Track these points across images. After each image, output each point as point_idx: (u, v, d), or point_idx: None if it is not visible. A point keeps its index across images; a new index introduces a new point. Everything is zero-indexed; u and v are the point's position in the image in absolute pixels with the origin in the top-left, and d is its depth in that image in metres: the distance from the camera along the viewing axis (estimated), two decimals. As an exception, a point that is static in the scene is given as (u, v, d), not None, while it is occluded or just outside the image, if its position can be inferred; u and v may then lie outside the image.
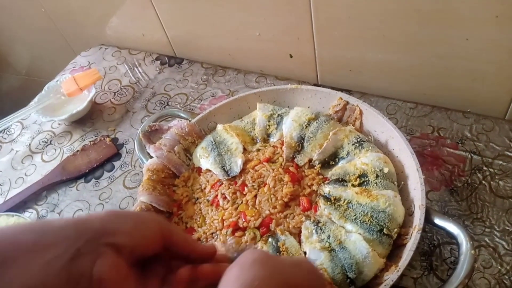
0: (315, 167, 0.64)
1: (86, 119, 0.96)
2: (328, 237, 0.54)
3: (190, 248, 0.43)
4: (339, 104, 0.70)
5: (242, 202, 0.62)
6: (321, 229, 0.56)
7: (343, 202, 0.58)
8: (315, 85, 0.88)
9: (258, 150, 0.69)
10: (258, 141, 0.71)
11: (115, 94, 1.00)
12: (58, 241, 0.36)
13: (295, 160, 0.65)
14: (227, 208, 0.61)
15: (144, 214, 0.49)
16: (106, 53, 1.12)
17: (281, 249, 0.54)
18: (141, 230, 0.41)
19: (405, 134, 0.71)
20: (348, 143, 0.64)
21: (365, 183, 0.59)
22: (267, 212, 0.60)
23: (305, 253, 0.54)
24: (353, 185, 0.60)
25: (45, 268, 0.35)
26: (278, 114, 0.71)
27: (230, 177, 0.65)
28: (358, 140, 0.64)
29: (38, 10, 1.19)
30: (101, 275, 0.37)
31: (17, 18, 1.31)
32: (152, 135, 0.73)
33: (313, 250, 0.53)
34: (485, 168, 0.67)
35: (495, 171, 0.66)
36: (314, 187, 0.61)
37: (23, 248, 0.35)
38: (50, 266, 0.35)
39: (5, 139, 0.98)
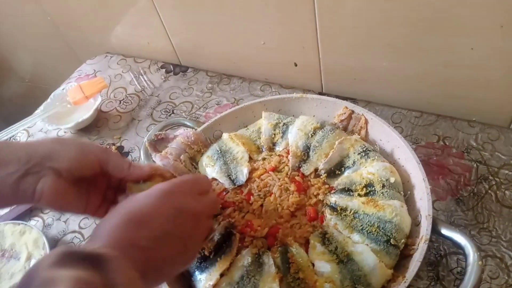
0: (321, 177, 0.64)
1: (92, 127, 0.96)
2: (336, 248, 0.54)
3: (125, 173, 0.53)
4: (345, 113, 0.70)
5: (248, 212, 0.62)
6: (328, 240, 0.56)
7: (350, 212, 0.58)
8: (319, 93, 0.89)
9: (264, 159, 0.69)
10: (263, 150, 0.71)
11: (120, 102, 1.01)
12: (11, 161, 0.47)
13: (301, 169, 0.65)
14: (234, 217, 0.62)
15: (86, 142, 0.56)
16: (112, 61, 1.13)
17: (290, 260, 0.54)
18: (80, 157, 0.50)
19: (410, 143, 0.71)
20: (354, 153, 0.64)
21: (371, 193, 0.59)
22: (274, 221, 0.60)
23: (313, 264, 0.54)
24: (359, 195, 0.60)
25: (0, 182, 0.46)
26: (284, 123, 0.71)
27: (236, 186, 0.65)
28: (364, 149, 0.64)
29: (43, 18, 1.20)
30: (42, 190, 0.47)
31: (21, 25, 1.32)
32: (158, 144, 0.74)
33: (320, 262, 0.53)
34: (491, 177, 0.67)
35: (501, 180, 0.66)
36: (320, 197, 0.61)
37: None
38: (4, 180, 0.46)
39: (11, 147, 0.98)
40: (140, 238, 0.43)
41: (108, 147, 0.90)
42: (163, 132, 0.75)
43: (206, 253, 0.55)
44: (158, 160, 0.70)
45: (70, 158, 0.49)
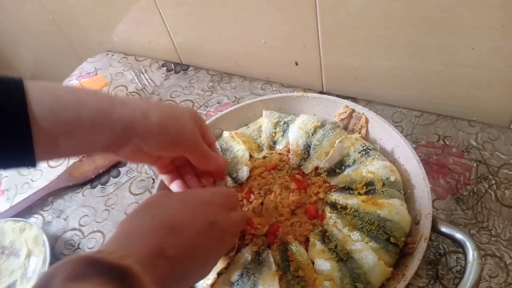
0: (321, 175, 0.64)
1: (93, 125, 0.96)
2: (335, 246, 0.55)
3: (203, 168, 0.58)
4: (345, 112, 0.70)
5: (248, 210, 0.62)
6: (328, 238, 0.56)
7: (350, 211, 0.58)
8: (320, 92, 0.89)
9: (265, 157, 0.69)
10: (264, 148, 0.71)
11: (121, 100, 1.00)
12: (106, 129, 0.45)
13: (301, 167, 0.66)
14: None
15: (183, 128, 0.52)
16: (113, 60, 1.13)
17: (290, 258, 0.54)
18: (168, 147, 0.50)
19: (411, 142, 0.71)
20: (354, 151, 0.64)
21: (372, 191, 0.59)
22: (274, 219, 0.60)
23: (312, 262, 0.54)
24: (359, 194, 0.60)
25: (93, 143, 0.45)
26: (284, 122, 0.71)
27: (236, 184, 0.66)
28: (364, 148, 0.64)
29: (44, 16, 1.20)
30: (120, 154, 0.48)
31: (22, 24, 1.32)
32: None
33: (320, 260, 0.53)
34: (490, 177, 0.67)
35: (501, 180, 0.66)
36: (321, 195, 0.62)
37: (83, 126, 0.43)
38: (93, 144, 0.45)
39: (12, 144, 0.98)
40: (169, 247, 0.41)
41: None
42: None
43: None
44: None
45: (159, 144, 0.49)
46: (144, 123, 0.47)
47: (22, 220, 0.77)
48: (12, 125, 0.38)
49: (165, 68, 1.06)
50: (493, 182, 0.66)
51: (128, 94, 1.02)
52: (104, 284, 0.33)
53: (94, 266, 0.34)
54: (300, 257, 0.55)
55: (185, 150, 0.52)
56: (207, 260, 0.46)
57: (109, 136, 0.45)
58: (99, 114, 0.44)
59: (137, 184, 0.82)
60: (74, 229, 0.78)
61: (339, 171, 0.64)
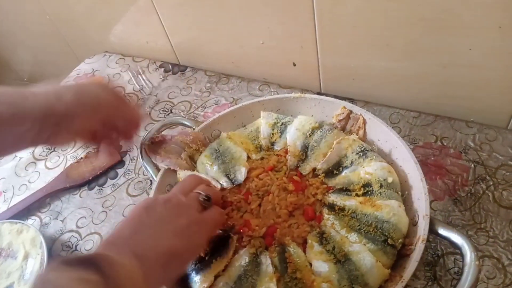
0: (319, 176, 0.64)
1: (90, 126, 0.96)
2: (333, 248, 0.54)
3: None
4: (343, 113, 0.70)
5: (246, 211, 0.62)
6: (326, 240, 0.56)
7: (347, 212, 0.58)
8: (318, 93, 0.89)
9: (262, 158, 0.69)
10: (262, 149, 0.71)
11: (118, 101, 1.00)
12: (28, 118, 0.48)
13: (299, 169, 0.66)
14: (232, 216, 0.62)
15: (98, 96, 0.57)
16: (110, 60, 1.13)
17: (288, 260, 0.54)
18: (92, 122, 0.54)
19: (408, 143, 0.71)
20: (352, 152, 0.64)
21: (369, 192, 0.59)
22: (272, 221, 0.60)
23: (310, 264, 0.54)
24: (357, 195, 0.60)
25: (19, 137, 0.49)
26: (282, 123, 0.71)
27: (234, 185, 0.66)
28: (362, 149, 0.64)
29: (42, 16, 1.20)
30: (53, 141, 0.52)
31: (20, 25, 1.31)
32: (156, 146, 0.73)
33: (318, 262, 0.53)
34: (488, 178, 0.67)
35: (499, 181, 0.66)
36: (318, 197, 0.61)
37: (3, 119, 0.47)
38: (22, 135, 0.49)
39: (9, 145, 0.98)
40: (151, 256, 0.44)
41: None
42: (160, 135, 0.74)
43: (202, 254, 0.55)
44: (159, 161, 0.70)
45: (83, 117, 0.53)
46: (61, 104, 0.50)
47: (19, 222, 0.77)
48: None
49: (162, 69, 1.06)
50: (491, 183, 0.66)
51: (126, 95, 1.01)
52: (82, 270, 0.36)
53: (71, 262, 0.37)
54: (298, 259, 0.55)
55: (108, 111, 0.56)
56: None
57: (32, 126, 0.49)
58: (14, 107, 0.47)
59: (135, 185, 0.82)
60: (71, 230, 0.78)
61: (337, 172, 0.64)
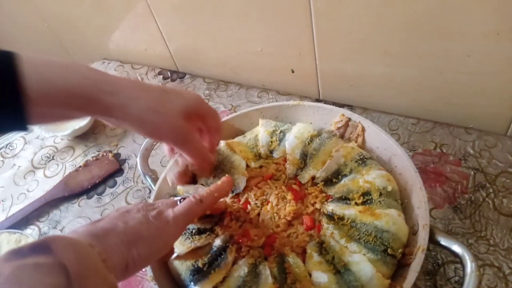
0: (318, 185, 0.64)
1: (89, 134, 0.96)
2: (333, 258, 0.54)
3: None
4: (341, 121, 0.70)
5: (245, 221, 0.61)
6: (325, 249, 0.55)
7: (347, 221, 0.57)
8: (317, 100, 0.89)
9: (261, 166, 0.69)
10: (260, 157, 0.70)
11: (117, 109, 1.00)
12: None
13: (298, 177, 0.65)
14: (231, 226, 0.61)
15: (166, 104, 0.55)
16: (109, 68, 1.13)
17: (287, 270, 0.54)
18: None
19: (407, 150, 0.71)
20: (351, 160, 0.64)
21: (369, 201, 0.59)
22: (270, 231, 0.59)
23: (310, 274, 0.54)
24: (356, 204, 0.59)
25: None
26: (281, 130, 0.71)
27: (233, 194, 0.65)
28: (361, 157, 0.64)
29: (41, 24, 1.20)
30: None
31: (19, 31, 1.31)
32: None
33: (317, 272, 0.53)
34: (488, 185, 0.67)
35: (499, 188, 0.66)
36: (317, 206, 0.61)
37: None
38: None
39: (8, 154, 0.98)
40: (111, 234, 0.45)
41: (104, 154, 0.89)
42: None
43: (200, 265, 0.55)
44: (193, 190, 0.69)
45: (137, 132, 0.54)
46: (122, 114, 0.50)
47: (18, 232, 0.77)
48: (4, 91, 0.42)
49: (161, 76, 1.05)
50: (491, 191, 0.66)
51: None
52: (27, 257, 0.34)
53: (17, 253, 0.35)
54: (297, 269, 0.54)
55: (166, 142, 0.57)
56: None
57: (95, 112, 0.50)
58: (87, 96, 0.48)
59: (134, 194, 0.81)
60: (70, 240, 0.78)
61: (336, 180, 0.64)
